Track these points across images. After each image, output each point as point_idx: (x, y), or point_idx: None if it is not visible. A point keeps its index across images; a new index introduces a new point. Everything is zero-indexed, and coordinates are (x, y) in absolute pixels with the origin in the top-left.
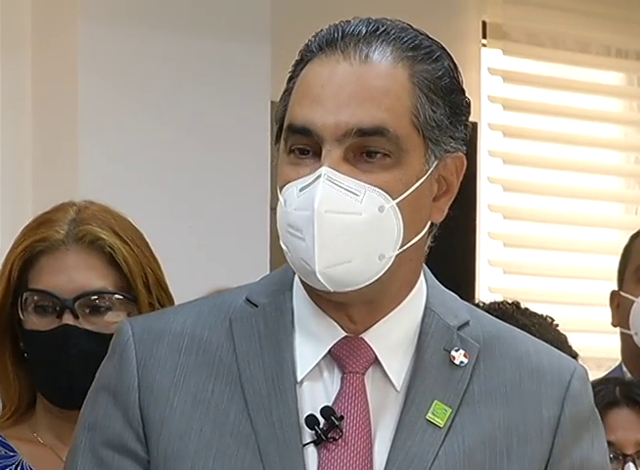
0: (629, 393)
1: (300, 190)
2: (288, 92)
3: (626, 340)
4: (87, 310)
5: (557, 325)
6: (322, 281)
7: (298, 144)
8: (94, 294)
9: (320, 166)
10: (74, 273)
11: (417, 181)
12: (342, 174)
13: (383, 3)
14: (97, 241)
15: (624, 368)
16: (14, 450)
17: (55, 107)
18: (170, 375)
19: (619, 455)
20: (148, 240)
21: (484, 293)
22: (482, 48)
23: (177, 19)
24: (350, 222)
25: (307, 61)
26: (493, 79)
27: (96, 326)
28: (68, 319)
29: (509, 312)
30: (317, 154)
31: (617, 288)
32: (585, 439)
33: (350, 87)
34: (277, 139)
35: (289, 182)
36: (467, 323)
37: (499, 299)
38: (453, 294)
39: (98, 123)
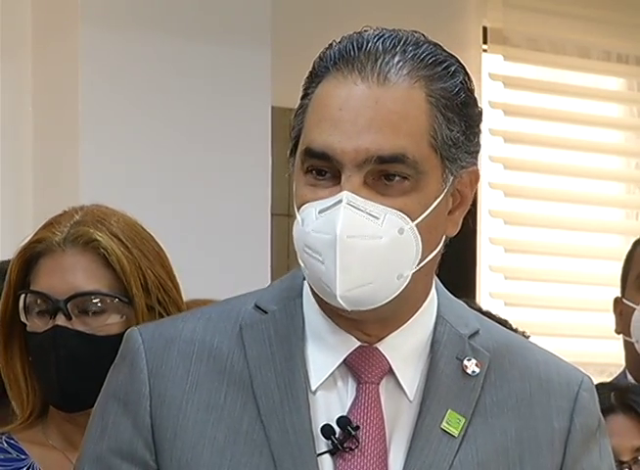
0: (624, 399)
1: (320, 212)
2: (302, 109)
3: (629, 347)
4: (80, 312)
5: (516, 329)
6: (342, 303)
7: (316, 166)
8: (87, 295)
9: (340, 191)
10: (68, 274)
11: (435, 200)
12: (362, 198)
13: (384, 8)
14: (91, 242)
15: (629, 375)
16: (25, 453)
17: (56, 110)
18: (182, 383)
19: (615, 462)
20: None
21: (485, 298)
22: (483, 53)
23: (178, 22)
24: (371, 246)
25: (322, 77)
26: (494, 85)
27: (89, 327)
28: (59, 320)
29: None
30: (335, 176)
31: (620, 294)
32: (594, 450)
33: (369, 112)
34: (291, 153)
35: (307, 202)
36: (477, 332)
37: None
38: (461, 302)
39: (99, 126)
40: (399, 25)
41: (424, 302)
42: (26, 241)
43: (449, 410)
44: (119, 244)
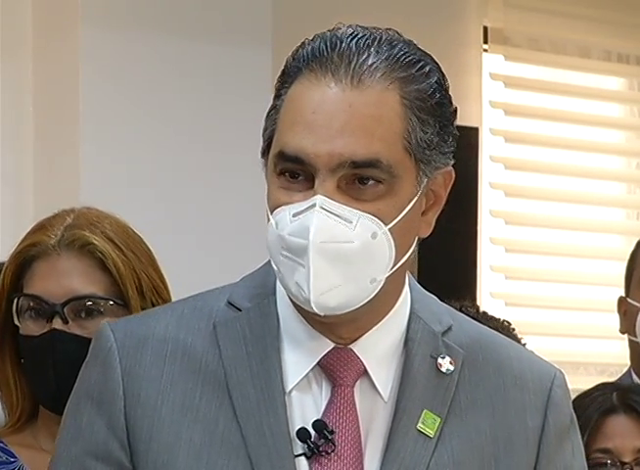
0: (627, 399)
1: (294, 215)
2: (275, 110)
3: (634, 347)
4: (77, 315)
5: (514, 329)
6: (315, 308)
7: (290, 169)
8: (83, 299)
9: (314, 195)
10: (65, 278)
11: (409, 203)
12: (335, 202)
13: (384, 8)
14: (87, 246)
15: (634, 375)
16: (14, 456)
17: (56, 110)
18: (156, 383)
19: (617, 463)
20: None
21: (486, 298)
22: (484, 53)
23: (178, 22)
24: (344, 250)
25: (294, 77)
26: (494, 84)
27: (86, 331)
28: (56, 324)
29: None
30: (308, 179)
31: (624, 294)
32: (567, 446)
33: (343, 116)
34: (263, 154)
35: (280, 206)
36: (450, 328)
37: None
38: (434, 297)
39: (99, 126)
40: (399, 25)
41: (397, 301)
42: (19, 244)
43: (425, 410)
44: (114, 247)
